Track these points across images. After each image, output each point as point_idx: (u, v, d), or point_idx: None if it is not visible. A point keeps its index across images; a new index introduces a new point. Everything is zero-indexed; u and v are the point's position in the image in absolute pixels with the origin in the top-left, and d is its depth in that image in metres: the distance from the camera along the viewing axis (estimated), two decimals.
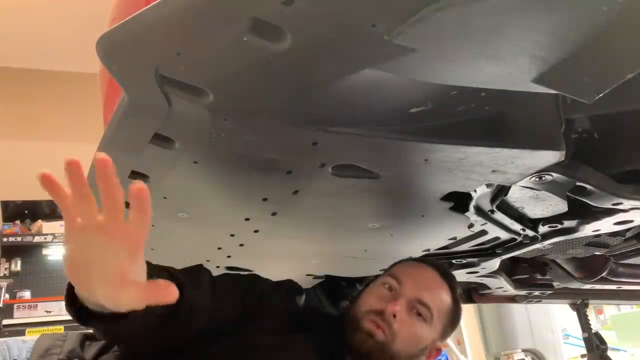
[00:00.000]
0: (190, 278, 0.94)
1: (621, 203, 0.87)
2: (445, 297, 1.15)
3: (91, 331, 1.17)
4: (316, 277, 1.51)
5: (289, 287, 1.23)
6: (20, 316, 3.77)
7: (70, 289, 0.72)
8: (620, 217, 0.95)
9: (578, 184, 0.83)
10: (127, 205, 0.90)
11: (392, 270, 1.19)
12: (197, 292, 0.94)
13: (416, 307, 1.10)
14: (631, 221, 0.98)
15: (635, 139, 0.84)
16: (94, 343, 1.08)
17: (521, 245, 1.16)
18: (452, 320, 1.17)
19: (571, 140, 0.81)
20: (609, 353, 1.99)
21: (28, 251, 4.18)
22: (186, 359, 0.98)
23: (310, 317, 1.17)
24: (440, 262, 1.26)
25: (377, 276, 1.28)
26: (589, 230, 1.02)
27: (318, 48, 0.54)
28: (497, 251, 1.25)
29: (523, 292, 1.73)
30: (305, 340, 1.08)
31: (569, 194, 0.88)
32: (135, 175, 0.82)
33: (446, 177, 0.80)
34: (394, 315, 1.08)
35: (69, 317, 0.77)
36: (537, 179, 0.82)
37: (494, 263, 1.35)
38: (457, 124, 0.69)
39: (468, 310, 3.90)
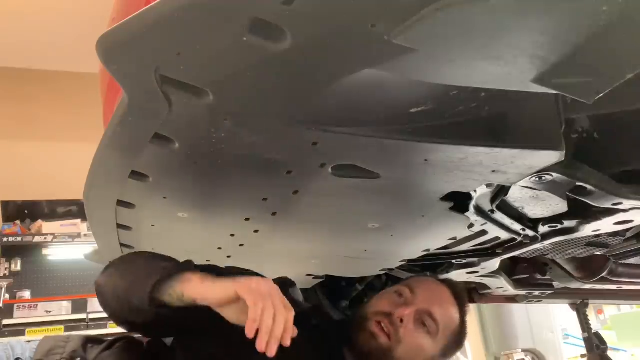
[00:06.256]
0: None
1: (621, 203, 0.87)
2: (454, 316, 1.16)
3: (93, 334, 1.19)
4: (316, 277, 1.51)
5: (279, 280, 1.21)
6: (20, 316, 3.76)
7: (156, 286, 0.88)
8: (620, 217, 0.94)
9: (578, 184, 0.83)
10: (123, 203, 0.90)
11: (407, 281, 1.21)
12: None
13: (424, 318, 1.11)
14: (631, 221, 0.98)
15: (635, 139, 0.84)
16: (96, 346, 1.09)
17: (521, 245, 1.16)
18: (456, 341, 1.18)
19: (571, 140, 0.81)
20: (609, 353, 1.99)
21: (28, 251, 4.17)
22: (184, 353, 0.99)
23: (311, 313, 1.17)
24: (456, 283, 1.26)
25: (381, 279, 1.26)
26: (589, 230, 1.02)
27: (318, 48, 0.54)
28: (497, 251, 1.25)
29: (523, 292, 1.74)
30: (305, 336, 1.08)
31: (569, 194, 0.88)
32: (135, 175, 0.82)
33: (446, 177, 0.80)
34: (401, 320, 1.08)
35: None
36: (537, 179, 0.82)
37: (494, 263, 1.35)
38: (457, 124, 0.69)
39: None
